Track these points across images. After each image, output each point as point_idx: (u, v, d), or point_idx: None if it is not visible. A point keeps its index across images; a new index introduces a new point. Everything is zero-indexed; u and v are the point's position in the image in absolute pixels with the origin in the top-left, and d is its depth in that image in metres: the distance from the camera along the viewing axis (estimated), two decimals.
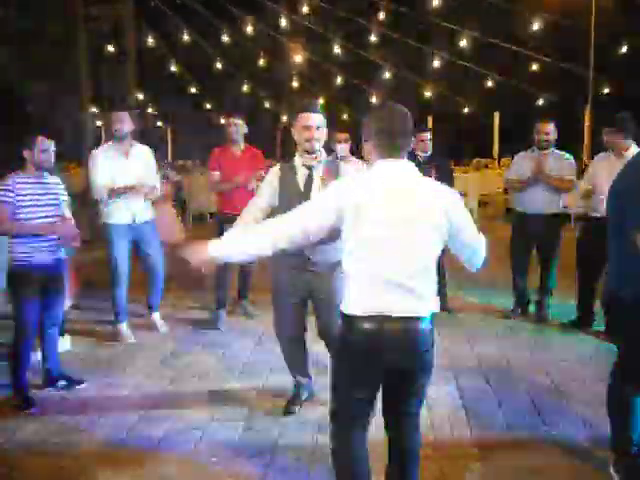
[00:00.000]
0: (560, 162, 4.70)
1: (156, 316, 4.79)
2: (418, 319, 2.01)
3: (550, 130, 4.70)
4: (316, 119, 2.97)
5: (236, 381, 3.75)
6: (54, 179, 3.57)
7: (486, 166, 13.97)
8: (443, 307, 5.24)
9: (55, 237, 3.41)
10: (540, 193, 4.71)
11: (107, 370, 3.93)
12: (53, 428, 3.15)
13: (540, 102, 13.35)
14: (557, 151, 4.77)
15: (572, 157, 4.77)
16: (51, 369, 3.62)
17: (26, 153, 3.38)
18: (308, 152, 3.00)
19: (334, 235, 2.06)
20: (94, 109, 12.80)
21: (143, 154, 4.56)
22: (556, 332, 4.65)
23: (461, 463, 2.79)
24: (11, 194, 3.28)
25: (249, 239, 2.16)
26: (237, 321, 4.95)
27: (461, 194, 2.22)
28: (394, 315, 1.98)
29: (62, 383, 3.61)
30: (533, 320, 4.90)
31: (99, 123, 15.39)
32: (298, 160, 3.06)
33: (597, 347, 4.27)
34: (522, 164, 4.84)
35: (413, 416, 2.20)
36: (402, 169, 2.03)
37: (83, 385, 3.63)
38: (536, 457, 2.85)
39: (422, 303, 2.01)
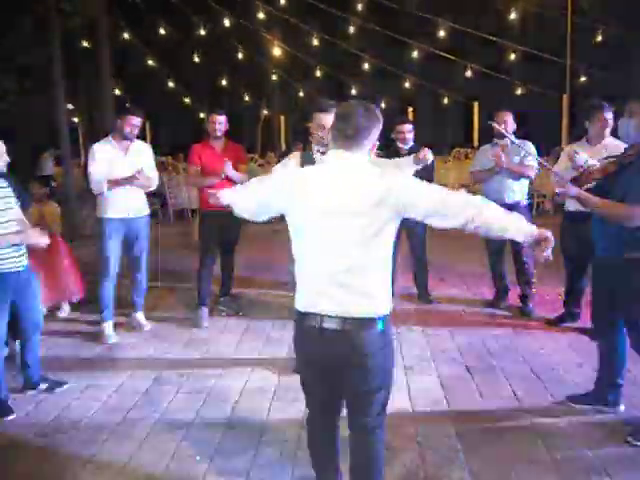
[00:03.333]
0: (521, 150, 4.75)
1: (140, 315, 4.77)
2: (360, 320, 1.95)
3: (508, 120, 4.76)
4: (329, 119, 3.21)
5: (219, 378, 3.75)
6: (2, 182, 3.36)
7: (466, 156, 14.05)
8: (424, 297, 5.30)
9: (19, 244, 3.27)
10: (503, 182, 4.77)
11: (90, 371, 3.90)
12: (35, 431, 3.12)
13: (519, 91, 13.47)
14: (517, 140, 4.81)
15: (530, 143, 4.82)
16: (32, 374, 3.58)
17: None
18: (322, 145, 3.40)
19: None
20: (69, 106, 12.62)
21: (142, 150, 4.60)
22: (536, 323, 4.69)
23: (442, 452, 2.83)
24: None
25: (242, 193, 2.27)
26: (219, 318, 4.95)
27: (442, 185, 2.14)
28: (332, 314, 1.94)
29: (43, 386, 3.58)
30: (516, 311, 4.94)
31: (75, 120, 15.18)
32: (315, 150, 3.48)
33: (578, 337, 4.32)
34: (484, 156, 4.93)
35: (362, 431, 2.14)
36: (347, 160, 2.00)
37: (65, 387, 3.60)
38: (517, 443, 2.90)
39: (365, 302, 1.95)
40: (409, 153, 4.95)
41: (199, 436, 3.03)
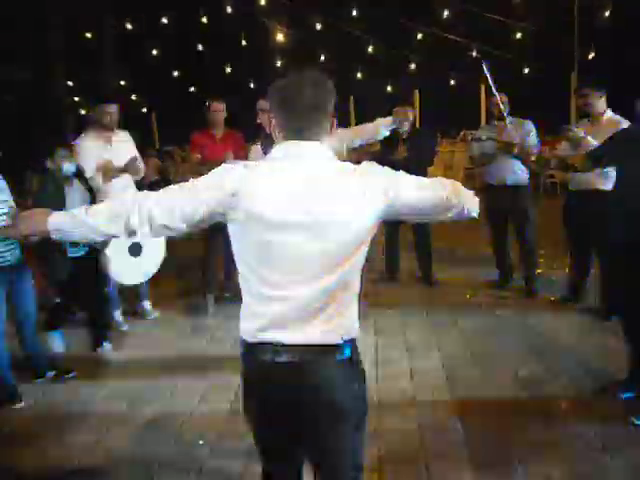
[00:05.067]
0: (520, 128, 4.70)
1: (146, 303, 4.82)
2: (322, 347, 1.52)
3: (504, 101, 4.71)
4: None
5: (223, 365, 3.78)
6: None
7: (473, 139, 13.90)
8: (428, 280, 5.30)
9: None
10: (504, 164, 4.73)
11: (95, 359, 3.96)
12: (41, 419, 3.19)
13: (526, 71, 13.28)
14: (513, 118, 4.78)
15: (530, 122, 4.77)
16: (39, 363, 3.65)
17: None
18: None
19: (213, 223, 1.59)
20: (76, 98, 12.67)
21: (124, 139, 4.58)
22: (542, 304, 4.67)
23: (443, 434, 2.85)
24: None
25: (100, 209, 1.59)
26: (225, 305, 4.98)
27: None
28: (287, 342, 1.51)
29: (51, 374, 3.65)
30: (520, 293, 4.92)
31: (83, 112, 15.24)
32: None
33: (583, 318, 4.30)
34: (481, 143, 4.89)
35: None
36: (308, 153, 1.53)
37: (71, 374, 3.67)
38: (518, 424, 2.91)
39: (331, 327, 1.52)
40: (408, 137, 4.98)
41: (202, 421, 3.08)
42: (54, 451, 2.87)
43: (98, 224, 1.56)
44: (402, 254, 5.47)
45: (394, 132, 5.05)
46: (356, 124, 13.80)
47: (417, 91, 13.09)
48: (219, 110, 4.82)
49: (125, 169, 4.32)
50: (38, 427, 3.11)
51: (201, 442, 2.86)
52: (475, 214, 1.68)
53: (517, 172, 4.76)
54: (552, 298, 4.71)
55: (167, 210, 1.51)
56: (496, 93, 4.54)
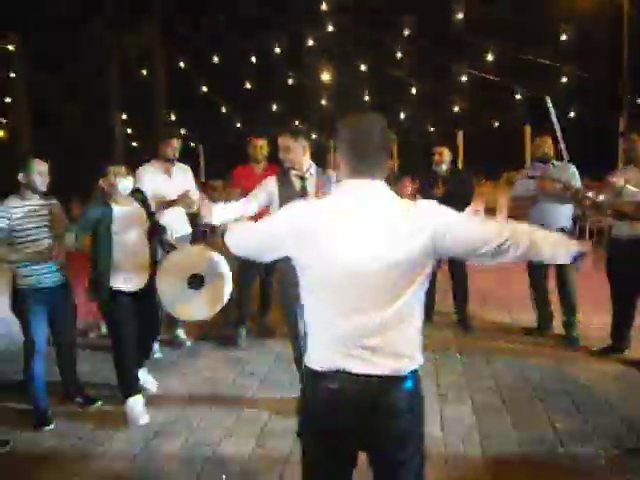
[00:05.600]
0: (564, 173, 4.63)
1: (180, 331, 4.91)
2: (388, 378, 1.60)
3: (550, 144, 4.67)
4: (287, 142, 3.51)
5: (252, 398, 3.79)
6: (50, 200, 3.57)
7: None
8: (463, 324, 5.19)
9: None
10: (546, 208, 4.64)
11: None
12: (71, 442, 3.25)
13: (571, 114, 13.14)
14: (558, 162, 4.71)
15: (573, 166, 4.70)
16: (69, 388, 3.76)
17: (21, 176, 3.40)
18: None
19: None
20: (128, 130, 13.26)
21: (184, 172, 4.77)
22: (582, 354, 4.49)
23: None
24: (5, 220, 3.32)
25: (240, 227, 2.01)
26: (257, 338, 5.01)
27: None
28: (354, 372, 1.59)
29: (79, 400, 3.73)
30: (559, 341, 4.76)
31: (134, 144, 15.91)
32: (292, 172, 3.59)
33: (624, 369, 4.11)
34: (525, 182, 4.81)
35: None
36: (372, 191, 1.61)
37: (99, 404, 3.72)
38: (549, 475, 2.78)
39: (394, 358, 1.60)
40: (445, 175, 5.04)
41: (227, 454, 3.07)
42: (79, 473, 2.91)
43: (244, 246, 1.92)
44: (437, 295, 5.40)
45: (432, 172, 5.13)
46: (399, 164, 13.86)
47: (460, 132, 13.12)
48: (260, 145, 4.96)
49: (177, 202, 4.45)
50: (65, 451, 3.16)
51: (224, 477, 2.85)
52: (563, 261, 1.75)
53: (559, 215, 4.66)
54: (593, 348, 4.53)
55: (248, 240, 1.84)
56: (558, 128, 4.48)
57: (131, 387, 3.50)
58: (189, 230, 4.86)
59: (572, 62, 12.52)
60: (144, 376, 3.87)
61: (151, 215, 3.71)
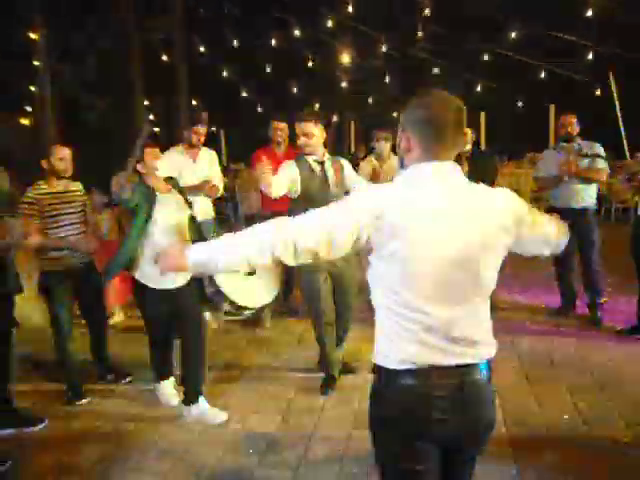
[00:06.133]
0: (590, 151, 4.56)
1: (205, 313, 5.01)
2: (475, 366, 1.54)
3: (573, 122, 4.60)
4: (309, 128, 3.49)
5: (276, 376, 3.87)
6: (75, 186, 3.67)
7: None
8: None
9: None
10: (571, 187, 4.59)
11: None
12: (104, 418, 3.37)
13: (597, 92, 12.83)
14: (584, 142, 4.64)
15: (599, 145, 4.62)
16: (101, 366, 3.89)
17: (44, 163, 3.48)
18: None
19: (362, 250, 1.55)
20: (151, 117, 13.36)
21: (209, 157, 4.83)
22: (606, 335, 4.46)
23: (495, 463, 2.78)
24: (35, 207, 3.41)
25: (243, 239, 1.56)
26: (281, 318, 5.09)
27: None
28: (444, 364, 1.50)
29: (110, 377, 3.87)
30: (583, 321, 4.74)
31: (156, 129, 16.03)
32: (311, 157, 3.57)
33: None
34: (548, 161, 4.76)
35: None
36: (452, 175, 1.52)
37: (129, 378, 3.87)
38: (574, 457, 2.80)
39: (478, 345, 1.54)
40: (469, 156, 4.98)
41: (254, 430, 3.16)
42: (113, 449, 3.03)
43: (248, 255, 1.53)
44: None
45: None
46: None
47: (482, 113, 12.92)
48: (281, 128, 4.99)
49: (199, 188, 4.52)
50: (99, 425, 3.30)
51: (251, 451, 2.94)
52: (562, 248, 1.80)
53: (583, 195, 4.61)
54: (618, 328, 4.49)
55: (311, 237, 1.49)
56: (617, 105, 4.36)
57: (163, 371, 3.56)
58: (212, 215, 4.92)
59: (599, 40, 12.18)
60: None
61: (190, 204, 3.49)
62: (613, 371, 3.77)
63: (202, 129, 4.68)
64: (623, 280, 4.83)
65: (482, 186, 1.56)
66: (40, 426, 3.28)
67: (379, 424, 1.58)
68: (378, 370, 1.57)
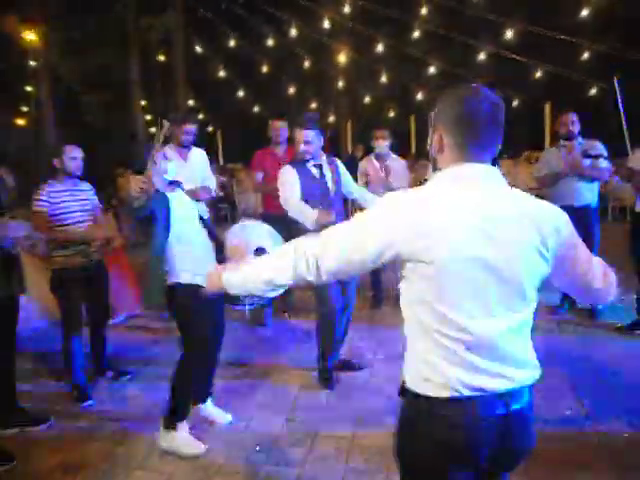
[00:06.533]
0: (590, 150, 4.58)
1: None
2: (521, 392, 1.43)
3: (574, 120, 4.62)
4: (308, 136, 3.55)
5: (280, 374, 3.89)
6: (85, 185, 3.74)
7: (537, 159, 13.57)
8: None
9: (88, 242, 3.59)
10: (572, 185, 4.61)
11: (156, 364, 4.14)
12: (108, 418, 3.38)
13: (593, 92, 12.89)
14: (585, 140, 4.66)
15: (600, 144, 4.64)
16: (100, 363, 3.91)
17: (56, 162, 3.53)
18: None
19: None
20: (147, 116, 13.35)
21: (200, 156, 4.79)
22: (607, 330, 4.50)
23: None
24: (46, 203, 3.47)
25: (271, 261, 1.54)
26: (283, 316, 5.10)
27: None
28: (489, 388, 1.37)
29: (110, 374, 3.90)
30: (582, 317, 4.78)
31: (152, 130, 16.01)
32: (309, 161, 3.62)
33: None
34: (551, 159, 4.78)
35: None
36: (489, 179, 1.39)
37: (129, 376, 3.89)
38: (577, 452, 2.82)
39: (525, 366, 1.44)
40: None
41: (259, 428, 3.17)
42: (118, 448, 3.04)
43: (274, 279, 1.51)
44: None
45: None
46: (415, 144, 13.73)
47: None
48: (280, 127, 4.99)
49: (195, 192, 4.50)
50: (103, 424, 3.30)
51: (257, 448, 2.95)
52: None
53: (584, 193, 4.64)
54: (618, 325, 4.53)
55: (334, 258, 1.42)
56: (622, 111, 4.38)
57: (208, 391, 3.35)
58: (207, 215, 4.89)
59: (594, 38, 12.24)
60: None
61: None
62: (614, 366, 3.80)
63: (192, 128, 4.64)
64: (621, 277, 4.85)
65: (525, 194, 1.43)
66: (45, 426, 3.28)
67: (411, 457, 1.46)
68: (411, 396, 1.42)
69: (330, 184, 3.65)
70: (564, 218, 1.44)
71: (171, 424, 2.96)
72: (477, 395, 1.36)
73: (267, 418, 3.27)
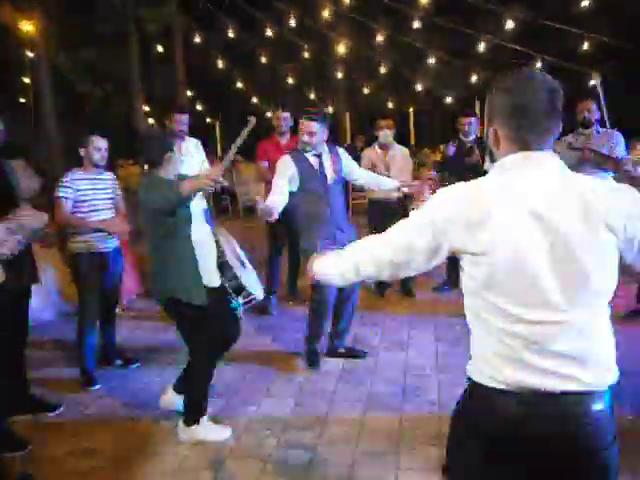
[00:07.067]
0: (607, 139, 4.58)
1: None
2: (588, 395, 1.31)
3: (591, 108, 4.62)
4: (313, 127, 3.59)
5: (286, 362, 3.94)
6: (109, 175, 3.81)
7: None
8: None
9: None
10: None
11: (167, 352, 4.19)
12: (119, 404, 3.43)
13: (592, 82, 12.90)
14: (602, 129, 4.67)
15: (618, 133, 4.62)
16: (109, 350, 3.96)
17: (82, 151, 3.62)
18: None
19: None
20: (146, 107, 13.32)
21: (195, 147, 4.83)
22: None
23: None
24: (70, 190, 3.54)
25: (343, 258, 1.63)
26: (287, 305, 5.15)
27: None
28: (547, 390, 1.29)
29: (119, 362, 3.94)
30: None
31: (151, 121, 15.98)
32: (309, 152, 3.66)
33: None
34: (566, 149, 4.77)
35: None
36: (548, 165, 1.33)
37: (137, 364, 3.94)
38: None
39: (593, 369, 1.33)
40: (473, 145, 5.06)
41: (269, 412, 3.23)
42: (130, 434, 3.08)
43: (344, 272, 1.61)
44: None
45: (459, 141, 5.17)
46: (415, 135, 13.69)
47: (478, 100, 12.97)
48: (284, 118, 5.02)
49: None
50: (115, 411, 3.35)
51: (268, 432, 3.01)
52: None
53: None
54: (621, 314, 4.59)
55: (399, 255, 1.44)
56: (604, 106, 4.38)
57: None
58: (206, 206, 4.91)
59: (595, 28, 12.23)
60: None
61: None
62: (617, 354, 3.85)
63: (184, 117, 4.63)
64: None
65: (587, 177, 1.35)
66: (56, 412, 3.33)
67: (455, 444, 1.45)
68: (470, 384, 1.42)
69: (329, 173, 3.70)
70: (627, 194, 1.33)
71: (193, 420, 2.96)
72: (530, 392, 1.30)
73: (276, 403, 3.33)
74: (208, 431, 2.97)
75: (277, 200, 3.44)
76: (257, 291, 3.18)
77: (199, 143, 4.94)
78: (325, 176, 3.69)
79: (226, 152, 3.01)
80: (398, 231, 1.45)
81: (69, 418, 3.28)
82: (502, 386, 1.32)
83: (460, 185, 1.38)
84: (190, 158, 4.64)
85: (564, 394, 1.29)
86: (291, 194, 3.64)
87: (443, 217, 1.34)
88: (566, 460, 1.31)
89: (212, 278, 2.95)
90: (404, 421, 3.03)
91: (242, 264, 3.21)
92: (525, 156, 1.33)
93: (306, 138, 3.62)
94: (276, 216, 3.34)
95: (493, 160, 1.42)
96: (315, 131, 3.60)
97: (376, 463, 2.68)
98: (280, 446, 2.88)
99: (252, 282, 3.19)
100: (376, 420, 3.07)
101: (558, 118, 1.35)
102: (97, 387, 3.62)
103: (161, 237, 2.83)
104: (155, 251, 2.88)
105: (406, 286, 5.40)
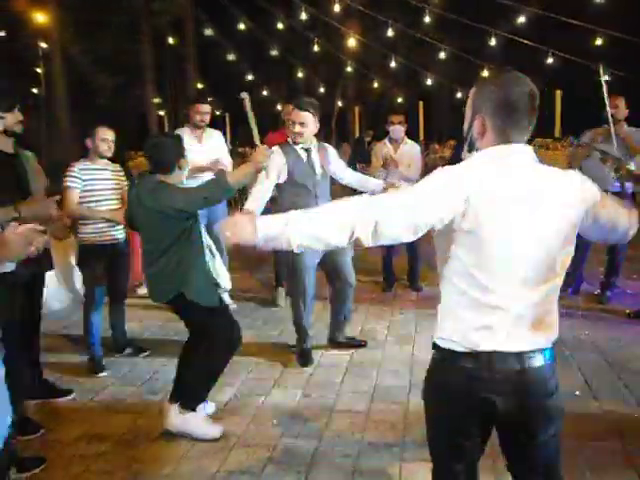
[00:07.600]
0: (635, 134, 4.54)
1: (225, 295, 5.09)
2: (538, 352, 1.53)
3: (620, 105, 4.58)
4: (305, 117, 3.54)
5: (295, 352, 3.97)
6: (115, 166, 3.82)
7: (547, 147, 13.52)
8: None
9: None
10: (600, 168, 4.59)
11: (176, 340, 4.23)
12: (130, 390, 3.49)
13: (606, 77, 12.81)
14: (630, 128, 4.60)
15: None
16: (119, 339, 4.01)
17: (88, 142, 3.65)
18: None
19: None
20: (157, 99, 13.37)
21: (215, 138, 4.84)
22: (614, 316, 4.57)
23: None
24: (77, 180, 3.58)
25: (322, 217, 1.49)
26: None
27: None
28: (505, 350, 1.50)
29: (128, 350, 4.00)
30: (591, 302, 4.85)
31: (161, 112, 16.04)
32: (298, 145, 3.64)
33: None
34: (592, 136, 4.69)
35: (543, 474, 1.67)
36: (525, 157, 1.50)
37: (146, 353, 4.00)
38: (589, 433, 2.86)
39: (542, 329, 1.54)
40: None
41: (276, 403, 3.27)
42: (141, 419, 3.14)
43: (326, 235, 1.47)
44: None
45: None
46: (425, 129, 13.70)
47: None
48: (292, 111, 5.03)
49: (208, 169, 4.57)
50: (126, 397, 3.41)
51: (275, 422, 3.05)
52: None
53: (609, 177, 4.58)
54: (627, 311, 4.60)
55: (394, 219, 1.45)
56: (607, 98, 4.35)
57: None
58: None
59: (608, 23, 12.12)
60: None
61: None
62: (622, 350, 3.87)
63: (205, 108, 4.65)
64: (630, 264, 4.93)
65: (550, 168, 1.52)
66: (68, 397, 3.39)
67: (431, 404, 1.63)
68: (436, 348, 1.58)
69: (317, 167, 3.69)
70: (584, 179, 1.53)
71: (191, 407, 2.92)
72: (494, 352, 1.49)
73: (283, 394, 3.38)
74: (200, 426, 2.90)
75: (255, 207, 3.49)
76: (225, 282, 3.08)
77: (220, 135, 4.96)
78: (314, 170, 3.68)
79: (252, 135, 3.16)
80: (413, 198, 1.47)
81: (80, 404, 3.35)
82: (470, 349, 1.50)
83: (458, 166, 1.49)
84: (207, 149, 4.66)
85: (523, 352, 1.51)
86: (277, 186, 3.65)
87: (450, 191, 1.44)
88: (519, 409, 1.53)
89: (223, 278, 3.00)
90: (410, 414, 3.06)
91: (210, 252, 3.05)
92: (510, 147, 1.49)
93: (297, 128, 3.55)
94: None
95: (471, 150, 1.56)
96: (306, 122, 3.55)
97: (381, 454, 2.72)
98: (287, 435, 2.92)
99: (222, 272, 3.08)
100: (382, 412, 3.11)
101: (535, 116, 1.51)
102: (105, 374, 3.69)
103: (175, 238, 2.78)
104: (165, 253, 2.80)
105: (413, 281, 5.43)
